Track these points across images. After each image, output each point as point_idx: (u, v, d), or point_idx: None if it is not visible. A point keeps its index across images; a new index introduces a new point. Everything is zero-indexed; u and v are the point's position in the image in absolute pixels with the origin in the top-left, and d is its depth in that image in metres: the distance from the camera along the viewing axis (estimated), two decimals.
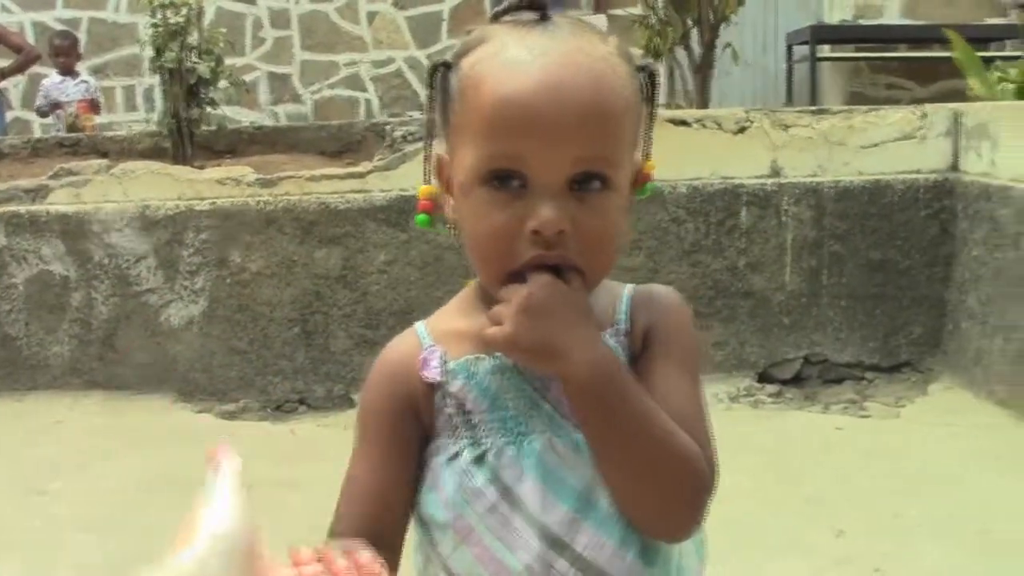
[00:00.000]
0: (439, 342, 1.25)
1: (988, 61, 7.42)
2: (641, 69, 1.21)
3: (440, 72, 1.21)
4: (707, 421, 1.22)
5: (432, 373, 1.23)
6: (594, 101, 1.12)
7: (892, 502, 3.69)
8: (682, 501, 1.14)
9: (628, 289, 1.28)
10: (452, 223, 1.24)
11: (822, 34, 9.16)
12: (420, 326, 1.29)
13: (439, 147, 1.25)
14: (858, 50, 9.45)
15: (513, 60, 1.13)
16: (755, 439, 4.34)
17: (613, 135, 1.15)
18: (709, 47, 7.12)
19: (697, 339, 1.28)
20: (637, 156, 1.23)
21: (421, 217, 1.26)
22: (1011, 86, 5.73)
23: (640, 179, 1.25)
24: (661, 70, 8.85)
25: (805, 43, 9.18)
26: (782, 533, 3.46)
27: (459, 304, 1.30)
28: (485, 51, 1.17)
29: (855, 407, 4.80)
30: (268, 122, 10.12)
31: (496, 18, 1.21)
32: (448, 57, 1.22)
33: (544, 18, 1.18)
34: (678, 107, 6.88)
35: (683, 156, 5.11)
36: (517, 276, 1.14)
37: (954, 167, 5.17)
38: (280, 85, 10.79)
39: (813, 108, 5.81)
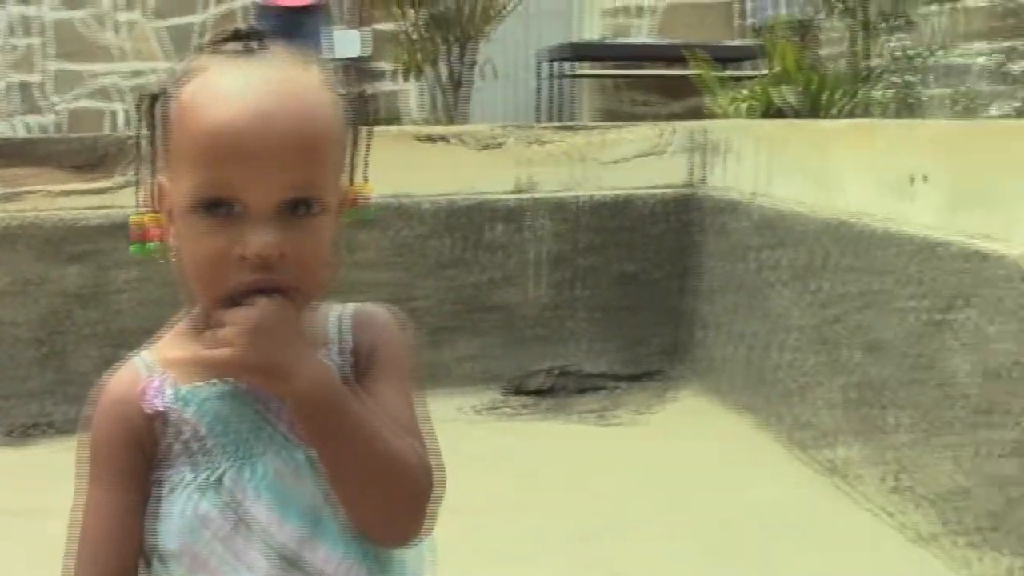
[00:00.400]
0: (164, 370, 1.26)
1: (736, 80, 7.80)
2: (347, 96, 1.26)
3: (155, 101, 1.23)
4: (428, 432, 1.28)
5: (154, 403, 1.24)
6: (301, 129, 1.17)
7: (637, 507, 3.82)
8: (405, 509, 1.21)
9: (347, 308, 1.33)
10: (173, 250, 1.25)
11: (578, 52, 9.43)
12: (140, 356, 1.30)
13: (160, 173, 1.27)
14: (612, 68, 9.76)
15: (224, 90, 1.17)
16: (503, 450, 4.42)
17: (321, 161, 1.20)
18: (467, 64, 7.23)
19: (412, 356, 1.34)
20: (344, 180, 1.28)
21: (134, 246, 1.27)
22: (744, 105, 6.04)
23: (346, 203, 1.30)
24: (414, 89, 8.94)
25: (562, 60, 9.44)
26: (527, 540, 3.53)
27: (179, 332, 1.31)
28: (199, 81, 1.20)
29: (604, 416, 4.95)
30: (15, 133, 9.69)
31: (210, 47, 1.23)
32: (164, 86, 1.25)
33: (254, 49, 1.21)
34: (438, 123, 6.96)
35: (435, 172, 5.17)
36: (234, 300, 1.17)
37: (695, 182, 5.41)
38: (28, 95, 10.35)
39: (564, 124, 5.97)
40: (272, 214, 1.16)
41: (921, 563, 3.35)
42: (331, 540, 1.22)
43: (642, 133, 5.47)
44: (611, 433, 4.74)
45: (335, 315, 1.32)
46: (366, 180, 1.32)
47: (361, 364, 1.29)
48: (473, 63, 7.58)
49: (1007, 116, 4.41)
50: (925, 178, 3.54)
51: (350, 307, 1.34)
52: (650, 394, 5.21)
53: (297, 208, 1.18)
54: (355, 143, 1.29)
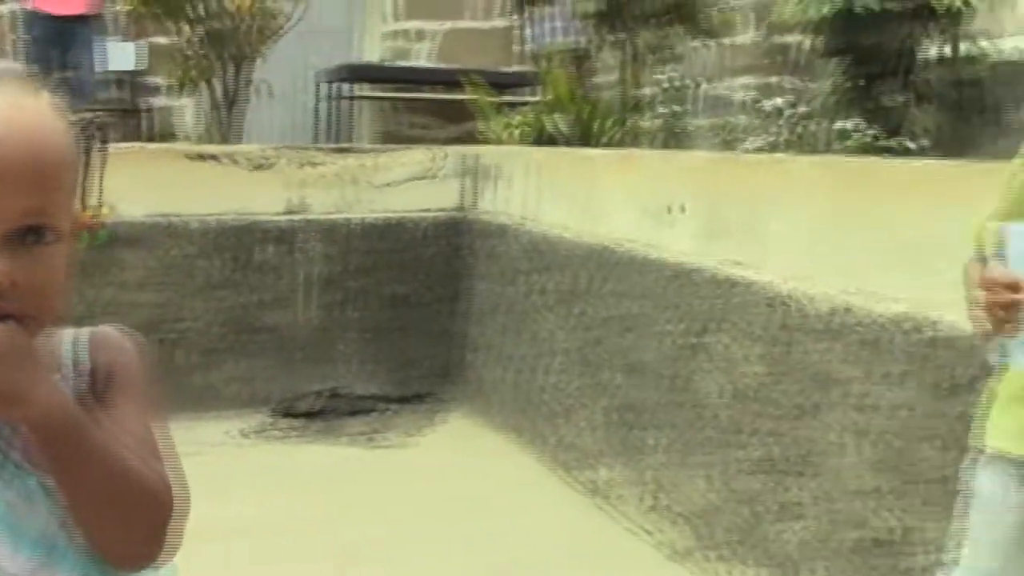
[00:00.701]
0: None
1: (511, 106, 7.93)
2: (79, 122, 1.24)
3: None
4: (170, 454, 1.26)
5: None
6: (30, 156, 1.16)
7: (404, 530, 3.82)
8: (144, 532, 1.20)
9: (82, 331, 1.32)
10: None
11: (356, 73, 9.41)
12: None
13: None
14: (391, 90, 9.77)
15: None
16: (270, 473, 4.37)
17: (52, 188, 1.19)
18: (242, 82, 7.12)
19: (150, 377, 1.33)
20: (76, 205, 1.26)
21: None
22: (517, 131, 6.15)
23: (80, 227, 1.28)
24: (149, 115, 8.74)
25: (341, 81, 9.39)
26: (289, 564, 3.50)
27: None
28: None
29: (372, 438, 4.94)
30: None
31: None
32: None
33: None
34: (211, 141, 6.82)
35: (206, 191, 5.07)
36: None
37: (467, 206, 5.47)
38: None
39: (336, 146, 5.95)
40: (3, 242, 1.14)
41: None
42: (67, 567, 1.20)
43: (415, 157, 5.50)
44: (380, 455, 4.73)
45: (70, 338, 1.30)
46: (101, 204, 1.30)
47: (99, 386, 1.27)
48: (248, 82, 7.48)
49: (761, 150, 4.63)
50: (683, 207, 3.68)
51: (86, 330, 1.32)
52: (420, 416, 5.23)
53: (27, 236, 1.16)
54: (87, 167, 1.27)
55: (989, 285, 1.75)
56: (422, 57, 9.87)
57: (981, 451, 1.95)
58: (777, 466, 3.07)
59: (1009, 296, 1.72)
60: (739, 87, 7.13)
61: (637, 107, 6.62)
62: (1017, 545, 1.92)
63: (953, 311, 2.48)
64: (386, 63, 9.59)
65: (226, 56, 7.06)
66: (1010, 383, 1.92)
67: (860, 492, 2.75)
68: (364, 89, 9.77)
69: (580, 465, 4.23)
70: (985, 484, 1.96)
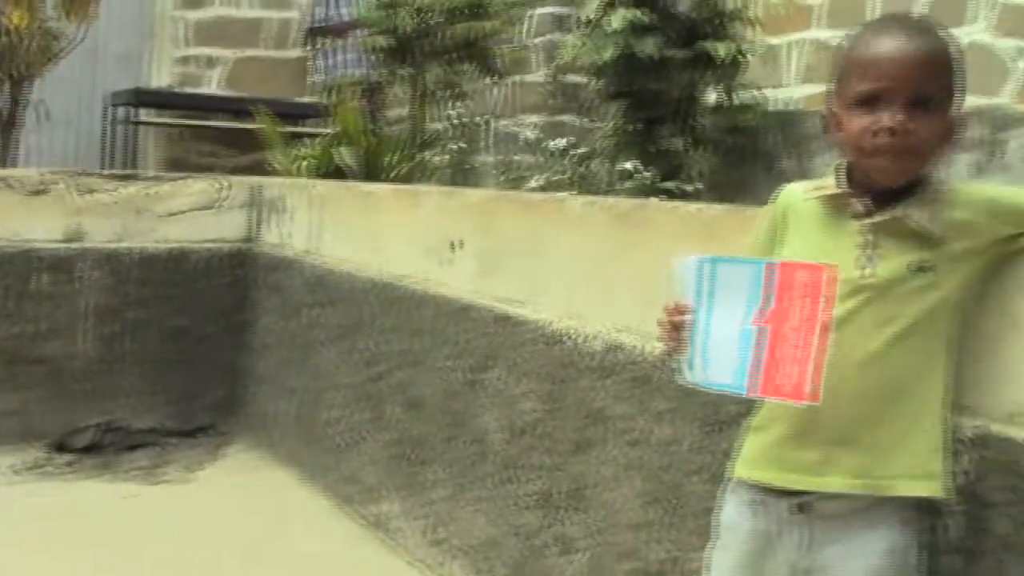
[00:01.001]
0: None
1: (301, 137, 7.86)
2: None
3: None
4: None
5: None
6: None
7: (184, 567, 3.72)
8: None
9: None
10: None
11: (144, 98, 9.18)
12: None
13: None
14: (178, 117, 9.57)
15: None
16: (43, 511, 4.18)
17: None
18: (21, 104, 6.87)
19: None
20: None
21: None
22: (304, 163, 6.11)
23: None
24: None
25: (128, 106, 9.14)
26: None
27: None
28: None
29: (152, 473, 4.79)
30: None
31: None
32: None
33: None
34: None
35: None
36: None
37: (252, 237, 5.39)
38: None
39: (117, 173, 5.77)
40: None
41: None
42: None
43: (199, 187, 5.39)
44: (160, 491, 4.59)
45: None
46: None
47: None
48: (26, 103, 7.21)
49: (543, 188, 4.72)
50: (462, 244, 3.71)
51: None
52: (202, 450, 5.11)
53: None
54: None
55: (666, 309, 2.01)
56: (213, 84, 9.70)
57: (728, 480, 2.08)
58: (553, 500, 3.12)
59: (675, 318, 1.97)
60: (528, 125, 7.26)
61: (426, 143, 6.66)
62: (752, 572, 2.01)
63: None
64: (174, 89, 9.38)
65: (2, 76, 6.79)
66: (754, 416, 2.05)
67: (633, 525, 2.81)
68: (152, 115, 9.54)
69: (363, 499, 4.21)
70: (726, 511, 2.07)
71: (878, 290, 1.89)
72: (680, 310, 1.97)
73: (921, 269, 1.88)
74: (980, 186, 1.99)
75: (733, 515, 2.05)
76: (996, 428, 1.97)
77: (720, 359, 1.89)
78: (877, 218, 1.91)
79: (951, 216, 1.89)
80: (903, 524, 1.92)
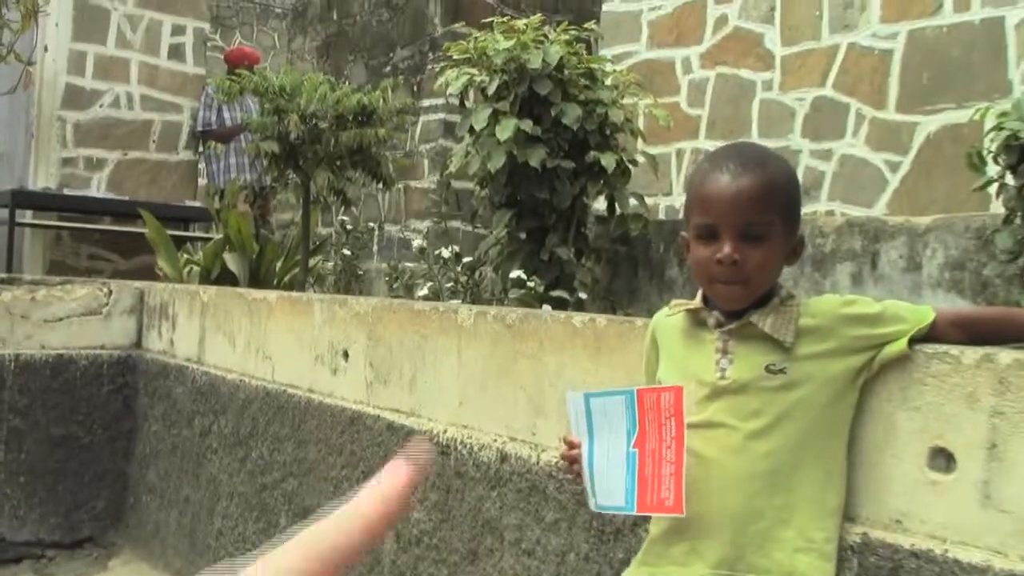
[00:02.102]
0: None
1: (190, 241, 7.79)
2: None
3: None
4: None
5: None
6: None
7: None
8: None
9: None
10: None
11: (22, 200, 9.00)
12: None
13: None
14: (61, 219, 9.40)
15: None
16: None
17: None
18: None
19: None
20: None
21: None
22: (197, 268, 6.04)
23: None
24: None
25: (4, 207, 8.95)
26: None
27: None
28: None
29: None
30: None
31: None
32: None
33: None
34: None
35: None
36: None
37: (138, 344, 5.30)
38: None
39: None
40: None
41: None
42: None
43: (83, 292, 5.30)
44: None
45: None
46: None
47: None
48: None
49: (430, 297, 4.74)
50: (346, 353, 3.71)
51: None
52: (83, 563, 4.96)
53: None
54: None
55: (562, 444, 2.15)
56: (98, 186, 9.57)
57: None
58: None
59: (567, 453, 2.12)
60: (417, 231, 7.31)
61: (315, 249, 6.65)
62: None
63: None
64: (55, 191, 9.22)
65: None
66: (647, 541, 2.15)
67: None
68: (33, 216, 9.35)
69: None
70: None
71: (735, 391, 2.01)
72: (571, 445, 2.10)
73: (773, 370, 2.00)
74: (831, 296, 2.11)
75: None
76: (878, 535, 2.02)
77: (607, 485, 2.01)
78: (729, 326, 2.05)
79: (801, 323, 2.02)
80: None
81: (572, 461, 2.10)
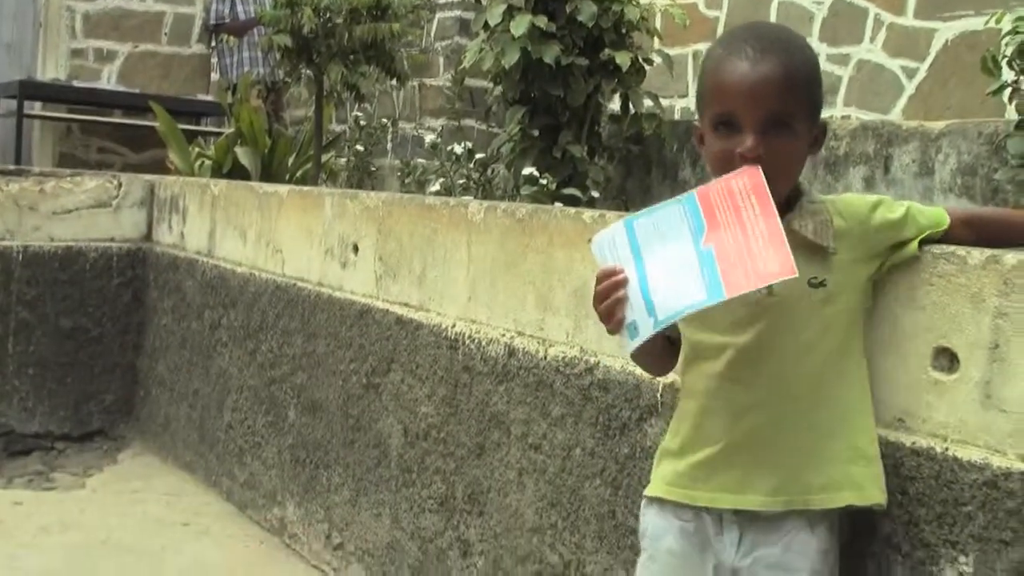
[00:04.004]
0: None
1: (202, 135, 7.76)
2: None
3: None
4: None
5: None
6: None
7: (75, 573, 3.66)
8: None
9: None
10: None
11: (31, 91, 8.95)
12: None
13: None
14: (71, 111, 9.36)
15: None
16: None
17: None
18: None
19: None
20: None
21: None
22: (208, 162, 6.03)
23: None
24: None
25: (13, 98, 8.91)
26: None
27: None
28: None
29: (41, 479, 4.70)
30: None
31: None
32: None
33: None
34: None
35: None
36: None
37: (148, 237, 5.31)
38: None
39: (5, 168, 5.64)
40: None
41: None
42: None
43: (93, 184, 5.29)
44: (50, 497, 4.50)
45: None
46: None
47: None
48: None
49: (442, 192, 4.73)
50: (356, 247, 3.72)
51: None
52: (93, 455, 5.02)
53: None
54: None
55: (598, 279, 1.92)
56: (111, 79, 9.51)
57: (648, 496, 2.08)
58: (453, 504, 3.13)
59: (611, 280, 1.87)
60: (431, 128, 7.27)
61: (329, 144, 6.62)
62: None
63: (611, 357, 2.62)
64: (64, 82, 9.16)
65: None
66: (673, 438, 2.06)
67: (532, 528, 2.84)
68: (42, 108, 9.31)
69: (263, 503, 4.18)
70: (650, 526, 2.07)
71: (779, 309, 1.90)
72: (609, 272, 1.88)
73: (815, 284, 1.89)
74: (856, 197, 2.02)
75: (657, 528, 2.05)
76: (880, 433, 2.04)
77: (674, 291, 1.82)
78: None
79: (836, 226, 1.92)
80: (829, 529, 1.96)
81: (614, 289, 1.86)
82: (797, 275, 1.75)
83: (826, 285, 1.90)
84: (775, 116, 1.85)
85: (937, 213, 2.02)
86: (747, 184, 1.80)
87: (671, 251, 1.83)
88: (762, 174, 1.80)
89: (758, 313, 1.91)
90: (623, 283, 1.86)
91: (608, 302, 1.87)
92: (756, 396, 1.92)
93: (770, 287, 1.83)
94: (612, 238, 1.91)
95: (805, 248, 1.87)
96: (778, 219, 1.78)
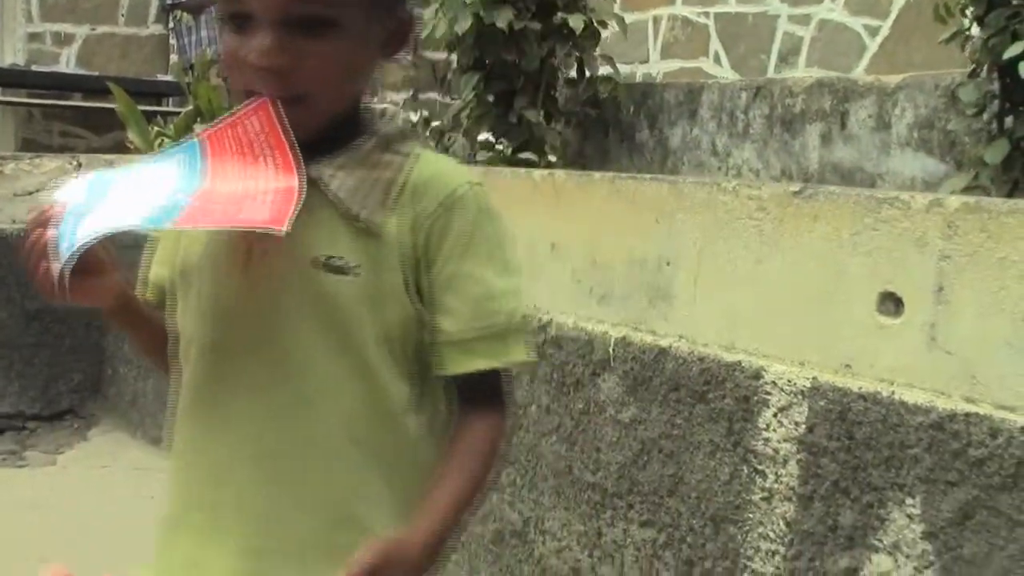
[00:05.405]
0: None
1: (162, 115, 7.72)
2: None
3: None
4: None
5: None
6: None
7: (44, 553, 3.65)
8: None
9: None
10: None
11: None
12: None
13: None
14: (31, 96, 9.30)
15: None
16: None
17: None
18: None
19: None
20: None
21: None
22: (168, 141, 6.00)
23: None
24: None
25: None
26: None
27: None
28: None
29: (14, 458, 4.70)
30: None
31: None
32: None
33: None
34: None
35: None
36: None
37: None
38: None
39: None
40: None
41: None
42: None
43: (54, 165, 5.28)
44: (23, 475, 4.51)
45: None
46: None
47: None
48: None
49: None
50: None
51: None
52: (64, 433, 5.03)
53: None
54: None
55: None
56: (70, 62, 9.45)
57: None
58: None
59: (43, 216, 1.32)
60: (394, 103, 7.26)
61: None
62: None
63: (563, 314, 2.64)
64: (23, 67, 9.11)
65: None
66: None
67: (495, 487, 2.86)
68: (2, 94, 9.26)
69: None
70: None
71: (267, 295, 1.34)
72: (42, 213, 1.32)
73: (335, 267, 1.32)
74: (445, 169, 1.41)
75: None
76: (827, 378, 2.07)
77: (115, 213, 1.32)
78: None
79: (406, 190, 1.35)
80: None
81: (43, 224, 1.30)
82: (284, 231, 1.22)
83: (353, 273, 1.32)
84: (296, 14, 1.28)
85: (508, 352, 1.38)
86: (259, 122, 1.30)
87: (143, 196, 1.34)
88: (274, 106, 1.29)
89: (243, 292, 1.35)
90: (55, 219, 1.31)
91: (34, 238, 1.32)
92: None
93: (253, 255, 1.33)
94: (81, 184, 1.39)
95: (343, 215, 1.32)
96: (294, 158, 1.29)
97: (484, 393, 1.38)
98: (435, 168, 1.38)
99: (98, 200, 1.34)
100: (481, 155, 4.11)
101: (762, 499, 2.13)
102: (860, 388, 2.03)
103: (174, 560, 1.42)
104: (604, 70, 4.68)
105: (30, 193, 5.15)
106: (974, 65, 3.33)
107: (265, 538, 1.34)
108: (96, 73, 9.02)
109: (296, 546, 1.34)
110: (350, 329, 1.32)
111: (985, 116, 3.29)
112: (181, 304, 1.41)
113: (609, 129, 4.83)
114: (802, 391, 2.10)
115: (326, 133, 1.33)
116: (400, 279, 1.33)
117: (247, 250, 1.32)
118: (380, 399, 1.34)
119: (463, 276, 1.35)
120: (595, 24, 4.55)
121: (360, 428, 1.34)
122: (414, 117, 4.79)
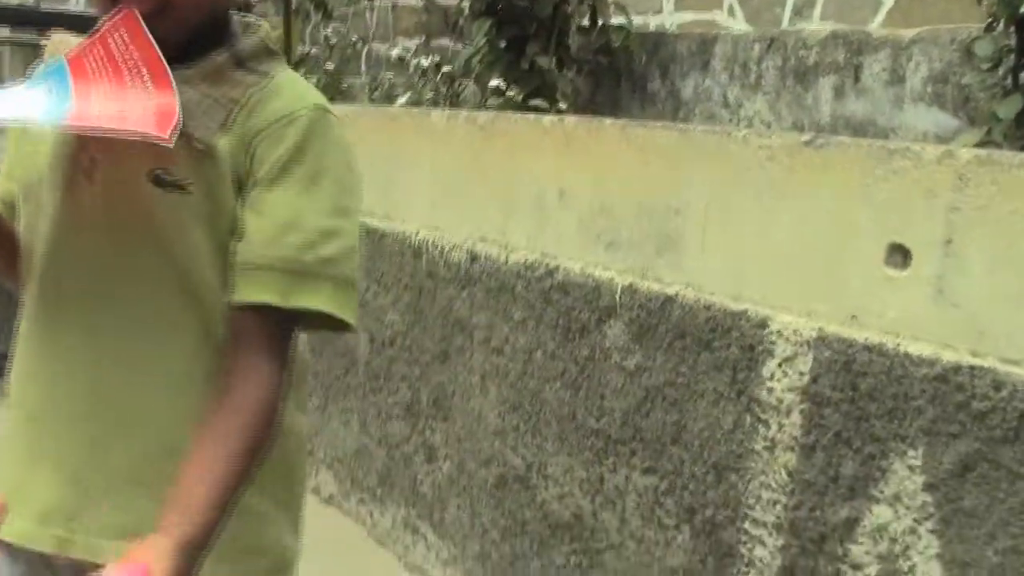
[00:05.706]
0: None
1: None
2: None
3: None
4: None
5: None
6: None
7: None
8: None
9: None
10: None
11: (2, 16, 8.86)
12: None
13: None
14: (39, 34, 9.26)
15: None
16: None
17: None
18: None
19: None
20: None
21: None
22: None
23: None
24: None
25: None
26: None
27: None
28: None
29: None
30: None
31: None
32: None
33: None
34: None
35: None
36: None
37: None
38: None
39: None
40: None
41: (331, 520, 3.53)
42: None
43: None
44: None
45: None
46: None
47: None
48: None
49: (407, 106, 4.70)
50: None
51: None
52: None
53: None
54: None
55: None
56: (80, 1, 9.40)
57: None
58: (420, 410, 3.16)
59: None
60: (407, 49, 7.22)
61: (298, 63, 6.56)
62: None
63: (570, 260, 2.63)
64: (31, 6, 9.07)
65: None
66: None
67: (495, 432, 2.87)
68: (10, 33, 9.22)
69: None
70: None
71: (107, 205, 1.29)
72: None
73: (166, 182, 1.26)
74: (306, 108, 1.32)
75: None
76: (834, 329, 2.06)
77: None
78: None
79: (254, 114, 1.28)
80: None
81: None
82: (169, 140, 1.18)
83: (186, 190, 1.25)
84: None
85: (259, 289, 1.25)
86: (127, 36, 1.24)
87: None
88: (136, 14, 1.23)
89: (78, 209, 1.30)
90: None
91: None
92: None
93: (94, 167, 1.29)
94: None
95: (181, 132, 1.23)
96: (166, 73, 1.23)
97: (259, 337, 1.24)
98: (283, 89, 1.31)
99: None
100: (492, 101, 4.08)
101: (764, 448, 2.13)
102: (866, 339, 2.03)
103: (4, 480, 1.36)
104: (617, 19, 4.64)
105: None
106: (991, 19, 3.29)
107: (89, 467, 1.29)
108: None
109: (120, 477, 1.29)
110: (183, 249, 1.26)
111: (1000, 71, 3.25)
112: (24, 220, 1.36)
113: (621, 78, 4.79)
114: (807, 341, 2.09)
115: (186, 40, 1.28)
116: (233, 201, 1.26)
117: (89, 161, 1.27)
118: (212, 326, 1.27)
119: (271, 200, 1.25)
120: None
121: (189, 355, 1.28)
122: (425, 62, 4.76)
